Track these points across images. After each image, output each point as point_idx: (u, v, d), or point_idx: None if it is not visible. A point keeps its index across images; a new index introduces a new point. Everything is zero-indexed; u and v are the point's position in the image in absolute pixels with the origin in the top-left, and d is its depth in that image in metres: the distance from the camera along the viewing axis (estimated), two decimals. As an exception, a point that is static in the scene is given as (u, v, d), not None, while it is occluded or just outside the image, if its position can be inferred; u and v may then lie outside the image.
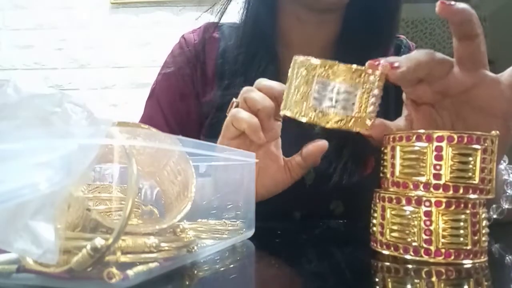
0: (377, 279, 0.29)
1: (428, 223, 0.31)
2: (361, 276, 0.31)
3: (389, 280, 0.29)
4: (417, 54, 0.37)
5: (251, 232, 0.41)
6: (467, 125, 0.38)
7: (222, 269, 0.31)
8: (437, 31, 4.10)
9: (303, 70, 0.37)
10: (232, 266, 0.33)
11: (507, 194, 0.45)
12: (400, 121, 0.42)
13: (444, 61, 0.37)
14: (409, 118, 0.42)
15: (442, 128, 0.40)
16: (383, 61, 0.36)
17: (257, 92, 0.44)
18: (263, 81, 0.45)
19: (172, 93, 0.69)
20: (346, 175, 0.58)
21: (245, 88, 0.45)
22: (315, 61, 0.36)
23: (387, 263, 0.32)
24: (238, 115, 0.44)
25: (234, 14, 0.69)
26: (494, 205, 0.46)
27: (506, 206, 0.45)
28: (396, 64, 0.35)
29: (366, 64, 0.37)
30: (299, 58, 0.37)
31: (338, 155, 0.59)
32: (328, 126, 0.36)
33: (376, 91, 0.36)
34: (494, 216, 0.45)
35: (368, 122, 0.37)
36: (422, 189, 0.32)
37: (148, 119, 0.69)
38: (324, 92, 0.35)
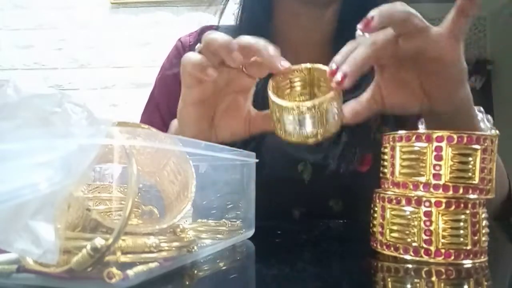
0: (377, 279, 0.29)
1: (428, 223, 0.31)
2: (361, 276, 0.31)
3: (389, 280, 0.29)
4: (361, 51, 0.40)
5: (251, 232, 0.41)
6: (431, 78, 0.41)
7: (222, 269, 0.31)
8: (437, 31, 4.09)
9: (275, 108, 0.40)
10: (232, 266, 0.33)
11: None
12: (369, 91, 0.44)
13: (387, 44, 0.40)
14: (377, 84, 0.44)
15: (410, 84, 0.42)
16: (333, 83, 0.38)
17: (217, 32, 0.42)
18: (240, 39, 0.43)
19: (170, 96, 0.68)
20: (343, 164, 0.59)
21: (206, 32, 0.43)
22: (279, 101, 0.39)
23: (387, 263, 0.32)
24: (184, 60, 0.42)
25: (231, 14, 0.69)
26: None
27: None
28: (340, 79, 0.38)
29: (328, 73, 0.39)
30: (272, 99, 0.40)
31: (335, 145, 0.59)
32: (309, 142, 0.40)
33: (331, 108, 0.38)
34: None
35: (333, 130, 0.39)
36: (422, 189, 0.32)
37: (147, 123, 0.69)
38: (292, 120, 0.39)
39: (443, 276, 0.29)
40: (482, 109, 0.47)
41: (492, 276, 0.30)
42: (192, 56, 0.42)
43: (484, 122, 0.46)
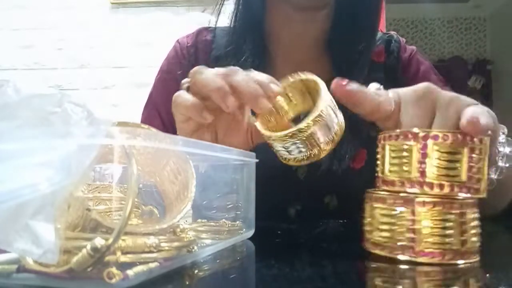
0: (375, 280, 0.29)
1: (414, 222, 0.32)
2: (362, 276, 0.31)
3: (388, 280, 0.29)
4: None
5: (251, 232, 0.41)
6: None
7: (222, 269, 0.31)
8: (437, 31, 4.10)
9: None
10: (232, 266, 0.33)
11: (498, 165, 0.45)
12: None
13: None
14: None
15: None
16: None
17: (206, 72, 0.40)
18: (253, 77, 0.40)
19: (169, 97, 0.69)
20: (337, 161, 0.59)
21: (194, 70, 0.41)
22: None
23: (388, 264, 0.32)
24: (177, 100, 0.41)
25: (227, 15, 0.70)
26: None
27: (494, 176, 0.44)
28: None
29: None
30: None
31: None
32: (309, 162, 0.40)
33: (320, 129, 0.37)
34: None
35: (330, 146, 0.39)
36: (408, 187, 0.32)
37: (148, 123, 0.69)
38: (281, 147, 0.39)
39: (432, 277, 0.29)
40: (505, 129, 0.45)
41: (482, 277, 0.30)
42: (185, 97, 0.41)
43: (505, 145, 0.45)
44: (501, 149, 0.44)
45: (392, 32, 0.74)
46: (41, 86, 0.25)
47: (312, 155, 0.38)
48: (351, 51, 0.65)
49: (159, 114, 0.69)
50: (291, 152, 0.39)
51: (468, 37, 4.07)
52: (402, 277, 0.29)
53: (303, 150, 0.38)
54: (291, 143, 0.38)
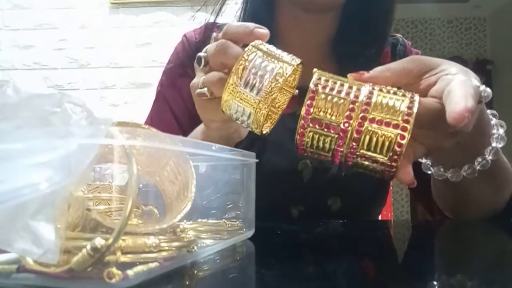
0: (377, 279, 0.30)
1: None
2: (361, 276, 0.31)
3: (389, 279, 0.29)
4: None
5: (251, 232, 0.41)
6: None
7: (222, 269, 0.31)
8: (437, 31, 4.10)
9: None
10: (232, 266, 0.33)
11: (492, 146, 0.44)
12: None
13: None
14: None
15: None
16: None
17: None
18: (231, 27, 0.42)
19: (178, 89, 0.69)
20: (344, 166, 0.59)
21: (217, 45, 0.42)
22: None
23: (388, 264, 0.32)
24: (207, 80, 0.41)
25: (233, 15, 0.70)
26: (479, 158, 0.44)
27: (489, 158, 0.44)
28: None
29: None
30: None
31: None
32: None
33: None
34: (478, 168, 0.44)
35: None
36: None
37: (157, 117, 0.70)
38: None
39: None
40: (496, 112, 0.45)
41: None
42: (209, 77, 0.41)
43: (498, 127, 0.45)
44: (494, 131, 0.44)
45: (398, 35, 0.74)
46: (41, 86, 0.25)
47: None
48: (357, 55, 0.65)
49: (170, 107, 0.69)
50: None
51: (468, 37, 4.07)
52: (409, 277, 0.29)
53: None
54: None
